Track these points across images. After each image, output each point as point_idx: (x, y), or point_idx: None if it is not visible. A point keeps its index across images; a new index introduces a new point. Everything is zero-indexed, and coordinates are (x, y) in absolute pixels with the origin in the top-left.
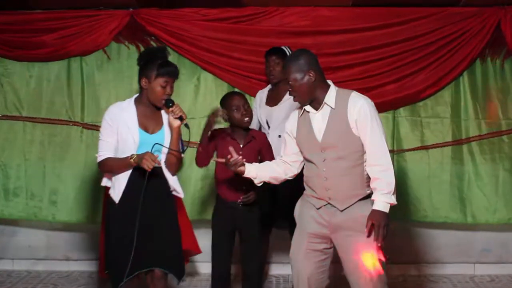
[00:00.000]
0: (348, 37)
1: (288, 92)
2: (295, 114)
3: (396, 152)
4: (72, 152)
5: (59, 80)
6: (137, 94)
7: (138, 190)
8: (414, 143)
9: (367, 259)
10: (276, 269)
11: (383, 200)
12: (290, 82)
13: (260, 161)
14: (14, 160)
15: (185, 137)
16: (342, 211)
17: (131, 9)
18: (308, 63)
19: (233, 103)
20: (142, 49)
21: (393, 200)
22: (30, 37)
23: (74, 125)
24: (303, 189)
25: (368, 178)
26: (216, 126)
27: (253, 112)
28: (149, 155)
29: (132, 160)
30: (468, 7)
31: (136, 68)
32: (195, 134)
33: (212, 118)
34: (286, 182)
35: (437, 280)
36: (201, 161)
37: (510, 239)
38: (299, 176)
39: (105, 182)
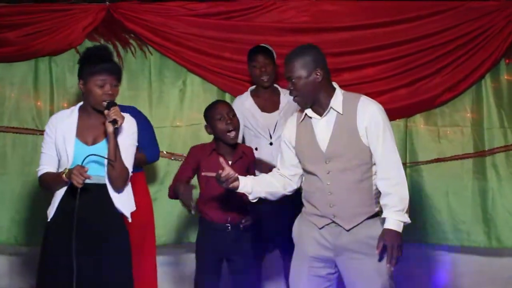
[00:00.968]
0: (354, 34)
1: (282, 95)
2: (293, 120)
3: (410, 165)
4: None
5: (25, 83)
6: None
7: (71, 209)
8: (430, 155)
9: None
10: None
11: (396, 218)
12: (293, 80)
13: None
14: None
15: (170, 148)
16: (348, 230)
17: (107, 2)
18: (316, 60)
19: (217, 111)
20: (120, 48)
21: (406, 218)
22: None
23: (42, 134)
24: (288, 206)
25: (377, 193)
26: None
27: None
28: (78, 168)
29: (64, 175)
30: (490, 0)
31: None
32: (181, 146)
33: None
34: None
35: None
36: (170, 190)
37: None
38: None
39: None
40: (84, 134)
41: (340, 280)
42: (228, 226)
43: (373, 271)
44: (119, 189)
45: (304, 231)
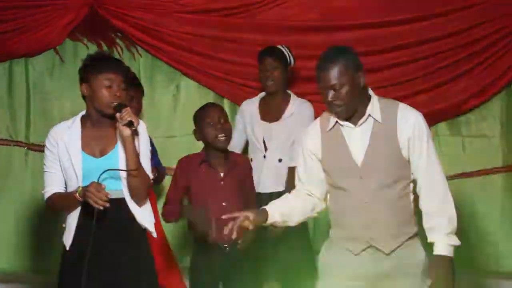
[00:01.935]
0: (367, 33)
1: (290, 104)
2: (315, 129)
3: None
4: (13, 181)
5: None
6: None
7: (91, 234)
8: (454, 168)
9: None
10: None
11: (447, 243)
12: (336, 88)
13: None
14: None
15: (162, 162)
16: (388, 254)
17: None
18: (355, 61)
19: (208, 115)
20: (105, 48)
21: (457, 241)
22: None
23: (17, 145)
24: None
25: (414, 212)
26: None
27: (237, 129)
28: (94, 186)
29: (77, 194)
30: None
31: None
32: (176, 159)
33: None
34: None
35: None
36: (170, 213)
37: None
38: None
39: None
40: (90, 145)
41: None
42: (226, 246)
43: None
44: (141, 201)
45: (334, 258)
